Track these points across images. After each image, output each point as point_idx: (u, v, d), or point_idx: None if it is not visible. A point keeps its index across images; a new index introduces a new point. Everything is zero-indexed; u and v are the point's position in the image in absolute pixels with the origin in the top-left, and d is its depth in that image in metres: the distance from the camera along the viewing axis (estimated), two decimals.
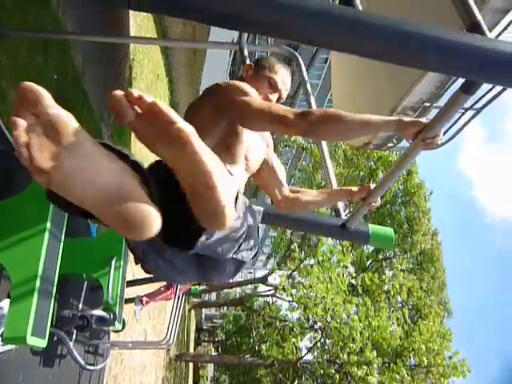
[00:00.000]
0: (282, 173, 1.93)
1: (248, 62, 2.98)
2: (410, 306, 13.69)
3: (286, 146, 15.66)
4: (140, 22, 7.06)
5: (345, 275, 12.14)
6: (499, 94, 3.51)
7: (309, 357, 13.63)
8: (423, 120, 1.45)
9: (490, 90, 3.36)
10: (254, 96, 1.55)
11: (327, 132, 1.53)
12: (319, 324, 12.15)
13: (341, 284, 11.55)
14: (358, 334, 10.95)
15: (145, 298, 6.50)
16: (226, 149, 1.59)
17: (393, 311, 12.46)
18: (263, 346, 15.75)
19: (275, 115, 1.45)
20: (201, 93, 1.73)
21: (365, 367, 10.86)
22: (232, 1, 1.15)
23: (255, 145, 1.70)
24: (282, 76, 1.82)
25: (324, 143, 2.48)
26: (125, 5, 1.39)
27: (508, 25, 2.56)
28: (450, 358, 11.66)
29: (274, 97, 1.80)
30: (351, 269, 14.41)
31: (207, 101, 1.62)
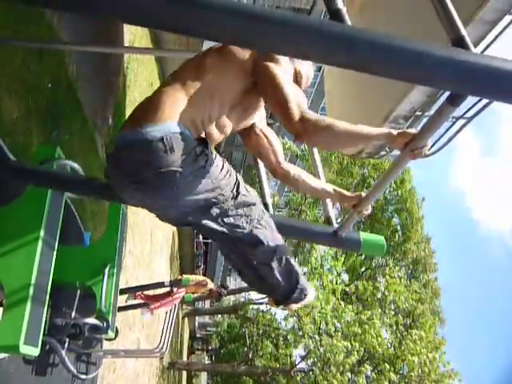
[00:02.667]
0: (277, 144, 1.97)
1: None
2: (403, 314, 13.70)
3: None
4: (134, 31, 7.10)
5: (338, 282, 12.14)
6: (489, 103, 3.57)
7: (303, 365, 13.60)
8: (411, 131, 1.50)
9: (480, 99, 3.41)
10: (284, 74, 1.60)
11: (320, 142, 1.59)
12: (308, 332, 12.13)
13: (330, 294, 11.55)
14: (341, 344, 10.92)
15: (152, 306, 6.28)
16: (242, 107, 1.67)
17: (386, 319, 12.44)
18: (257, 355, 15.69)
19: (287, 105, 1.51)
20: None
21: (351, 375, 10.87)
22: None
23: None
24: (309, 70, 1.90)
25: (316, 151, 2.51)
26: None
27: (493, 40, 2.62)
28: (445, 366, 11.68)
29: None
30: (344, 275, 14.45)
31: (245, 51, 1.62)
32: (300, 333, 12.97)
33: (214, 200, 1.53)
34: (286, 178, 1.97)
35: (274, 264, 1.70)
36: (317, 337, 11.59)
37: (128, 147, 1.47)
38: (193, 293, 6.94)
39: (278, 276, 1.73)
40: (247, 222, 1.60)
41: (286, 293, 1.81)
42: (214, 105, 1.56)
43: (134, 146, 1.45)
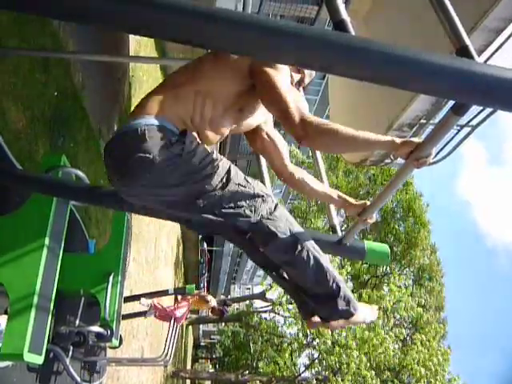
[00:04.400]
0: (283, 146, 1.98)
1: None
2: (409, 324, 13.59)
3: None
4: (139, 39, 7.15)
5: None
6: (493, 112, 3.56)
7: (307, 374, 13.52)
8: (415, 140, 1.50)
9: (485, 108, 3.41)
10: (282, 78, 1.61)
11: (321, 144, 1.61)
12: (317, 340, 12.05)
13: None
14: (354, 354, 10.84)
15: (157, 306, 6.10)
16: (238, 109, 1.69)
17: (391, 328, 12.35)
18: (261, 363, 15.60)
19: (286, 109, 1.53)
20: None
21: None
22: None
23: (258, 114, 1.81)
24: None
25: (319, 157, 2.50)
26: None
27: (497, 49, 2.62)
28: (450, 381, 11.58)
29: (296, 77, 1.88)
30: (350, 284, 14.36)
31: (242, 56, 1.63)
32: (304, 341, 12.91)
33: (199, 189, 1.51)
34: (291, 180, 1.98)
35: (297, 260, 1.57)
36: (329, 343, 11.43)
37: (113, 140, 1.60)
38: (196, 309, 6.92)
39: (305, 276, 1.59)
40: (251, 211, 1.55)
41: (321, 301, 1.63)
42: (207, 105, 1.59)
43: (115, 140, 1.60)
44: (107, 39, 5.15)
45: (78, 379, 3.51)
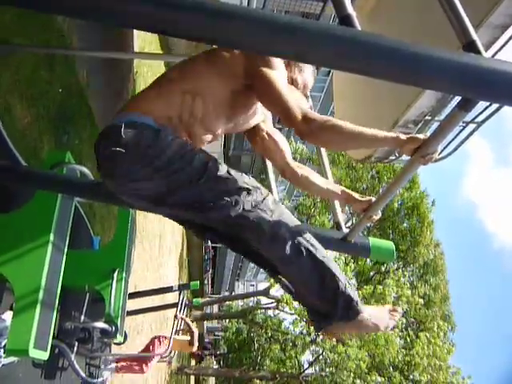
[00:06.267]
0: (284, 144, 1.97)
1: None
2: (412, 319, 13.58)
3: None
4: (144, 35, 7.15)
5: None
6: (499, 108, 3.54)
7: (311, 370, 13.53)
8: (421, 136, 1.48)
9: (491, 104, 3.38)
10: (280, 77, 1.59)
11: (325, 141, 1.61)
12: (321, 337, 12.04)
13: None
14: (354, 351, 10.84)
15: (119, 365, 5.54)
16: (231, 108, 1.66)
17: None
18: (265, 360, 15.62)
19: (287, 108, 1.51)
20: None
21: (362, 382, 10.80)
22: None
23: (255, 114, 1.80)
24: (308, 79, 1.91)
25: (324, 153, 2.50)
26: None
27: (504, 44, 2.60)
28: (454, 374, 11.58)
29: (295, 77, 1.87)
30: (353, 281, 14.34)
31: (235, 56, 1.62)
32: (308, 338, 12.92)
33: (175, 183, 1.48)
34: (294, 178, 1.97)
35: (288, 255, 1.44)
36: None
37: (98, 137, 1.62)
38: (177, 350, 6.89)
39: (301, 273, 1.47)
40: (233, 204, 1.46)
41: (319, 300, 1.49)
42: (196, 104, 1.58)
43: (99, 136, 1.61)
44: (112, 36, 5.15)
45: (83, 375, 3.53)
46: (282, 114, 1.55)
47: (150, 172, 1.48)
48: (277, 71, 1.60)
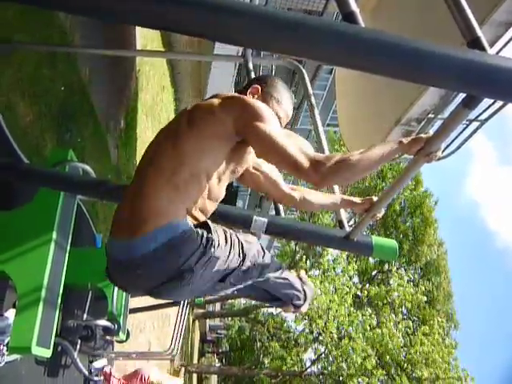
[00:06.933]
0: (275, 173, 1.92)
1: (253, 75, 3.01)
2: (415, 318, 13.56)
3: None
4: (146, 33, 7.14)
5: (350, 287, 12.03)
6: (503, 106, 3.53)
7: (313, 368, 13.54)
8: (423, 136, 1.47)
9: (494, 102, 3.37)
10: (274, 126, 1.49)
11: (340, 181, 1.67)
12: (323, 335, 12.05)
13: (345, 295, 11.47)
14: (360, 346, 10.85)
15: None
16: (233, 165, 1.61)
17: (398, 322, 12.30)
18: (267, 358, 15.63)
19: (291, 158, 1.42)
20: (211, 96, 1.66)
21: (366, 378, 10.81)
22: None
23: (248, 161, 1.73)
24: (288, 109, 1.79)
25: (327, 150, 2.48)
26: None
27: (508, 41, 2.59)
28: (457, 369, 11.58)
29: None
30: (356, 279, 14.33)
31: (224, 112, 1.52)
32: (311, 336, 12.92)
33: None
34: (292, 202, 1.96)
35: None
36: (335, 337, 11.45)
37: (139, 257, 1.46)
38: None
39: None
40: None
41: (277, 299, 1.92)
42: (202, 183, 1.52)
43: (147, 255, 1.45)
44: (114, 33, 5.15)
45: (86, 373, 3.54)
46: (289, 167, 1.46)
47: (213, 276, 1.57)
48: (270, 121, 1.48)
